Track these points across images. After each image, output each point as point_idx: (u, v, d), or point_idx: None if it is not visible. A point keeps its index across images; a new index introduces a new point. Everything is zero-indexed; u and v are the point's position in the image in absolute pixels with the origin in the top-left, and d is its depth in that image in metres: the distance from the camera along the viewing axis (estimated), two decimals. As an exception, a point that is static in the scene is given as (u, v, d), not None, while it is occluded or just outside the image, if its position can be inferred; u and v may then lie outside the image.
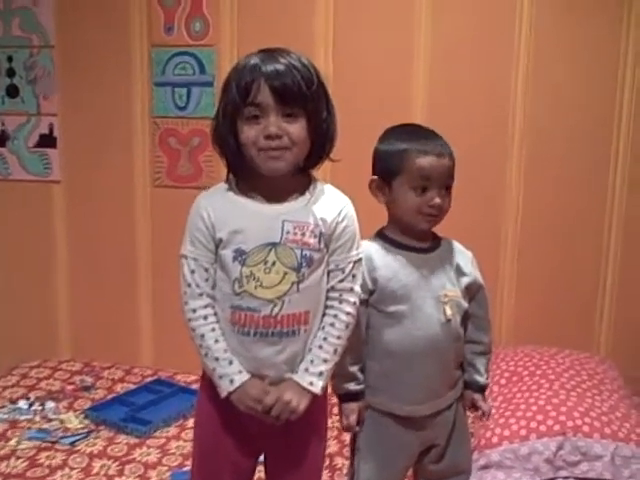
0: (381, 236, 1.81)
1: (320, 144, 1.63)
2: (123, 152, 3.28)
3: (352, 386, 1.76)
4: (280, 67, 1.53)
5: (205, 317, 1.63)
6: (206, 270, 1.63)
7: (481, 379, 1.88)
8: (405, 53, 2.94)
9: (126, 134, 3.27)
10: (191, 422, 2.63)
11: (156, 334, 3.38)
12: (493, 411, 2.34)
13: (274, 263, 1.59)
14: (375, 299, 1.74)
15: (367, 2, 2.97)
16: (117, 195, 3.32)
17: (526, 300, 2.98)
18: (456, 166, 1.78)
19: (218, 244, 1.62)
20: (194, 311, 1.64)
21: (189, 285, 1.64)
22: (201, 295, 1.63)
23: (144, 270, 3.35)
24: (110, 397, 2.93)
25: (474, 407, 1.89)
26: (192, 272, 1.63)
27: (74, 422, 2.72)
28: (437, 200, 1.71)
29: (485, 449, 2.21)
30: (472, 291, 1.84)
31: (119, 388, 3.04)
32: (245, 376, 1.62)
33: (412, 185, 1.71)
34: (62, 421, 2.72)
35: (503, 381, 2.52)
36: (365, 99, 2.97)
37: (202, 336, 1.63)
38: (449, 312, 1.75)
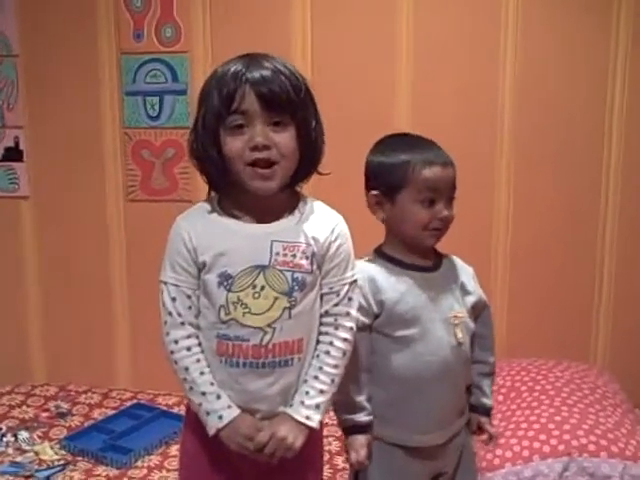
0: (381, 255, 1.69)
1: (309, 156, 1.51)
2: (94, 165, 3.13)
3: (361, 417, 1.63)
4: (266, 72, 1.42)
5: (188, 348, 1.50)
6: (188, 297, 1.51)
7: (488, 401, 1.78)
8: (387, 55, 2.83)
9: (97, 146, 3.12)
10: (174, 449, 2.52)
11: (134, 354, 3.23)
12: (492, 430, 2.24)
13: (263, 288, 1.47)
14: (380, 323, 1.63)
15: (345, 2, 2.85)
16: (89, 210, 3.16)
17: (519, 310, 2.88)
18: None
19: (201, 268, 1.49)
20: (176, 342, 1.51)
21: (170, 314, 1.51)
22: (183, 324, 1.51)
23: (119, 287, 3.20)
24: (87, 424, 2.78)
25: (480, 431, 1.79)
26: (173, 299, 1.50)
27: (49, 453, 2.56)
28: (445, 212, 1.61)
29: (486, 472, 2.11)
30: (477, 310, 1.74)
31: (97, 414, 2.89)
32: (235, 411, 1.50)
33: (419, 198, 1.60)
34: (37, 452, 2.56)
35: (501, 397, 2.42)
36: (346, 103, 2.84)
37: (186, 369, 1.50)
38: (460, 335, 1.66)
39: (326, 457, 2.38)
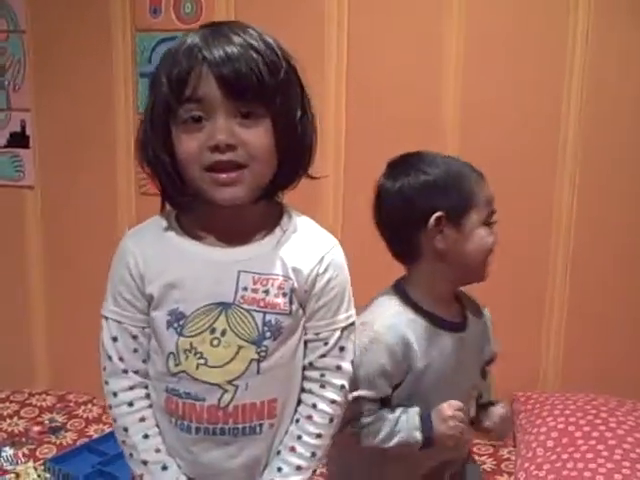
0: (407, 302, 1.33)
1: (293, 156, 1.13)
2: (105, 154, 2.85)
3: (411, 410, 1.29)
4: (231, 49, 1.05)
5: (130, 403, 1.17)
6: (134, 337, 1.16)
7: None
8: (433, 44, 2.46)
9: (109, 133, 2.83)
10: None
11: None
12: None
13: (224, 332, 1.12)
14: (397, 394, 1.29)
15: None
16: (99, 203, 2.87)
17: (577, 335, 2.48)
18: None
19: (150, 302, 1.15)
20: (115, 395, 1.17)
21: (109, 358, 1.17)
22: (126, 372, 1.17)
23: (130, 288, 2.91)
24: (80, 443, 2.50)
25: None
26: (114, 340, 1.17)
27: (32, 475, 2.29)
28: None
29: (528, 538, 1.74)
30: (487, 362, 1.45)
31: (92, 430, 2.62)
32: None
33: (484, 220, 1.30)
34: (17, 475, 2.29)
35: (550, 443, 2.04)
36: (385, 97, 2.51)
37: (125, 430, 1.16)
38: (472, 410, 1.38)
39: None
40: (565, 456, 1.95)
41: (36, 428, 2.61)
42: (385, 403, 1.29)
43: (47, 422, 2.65)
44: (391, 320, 1.29)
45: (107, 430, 2.58)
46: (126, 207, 2.87)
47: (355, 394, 1.25)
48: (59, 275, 2.97)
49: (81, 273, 2.94)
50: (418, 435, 1.25)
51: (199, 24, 2.63)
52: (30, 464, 2.35)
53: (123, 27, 2.74)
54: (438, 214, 1.27)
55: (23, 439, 2.52)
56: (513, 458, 2.23)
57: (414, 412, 1.27)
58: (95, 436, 2.56)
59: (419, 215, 1.29)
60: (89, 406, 2.79)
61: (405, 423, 1.26)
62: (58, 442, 2.52)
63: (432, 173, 1.30)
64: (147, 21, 2.70)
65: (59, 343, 3.00)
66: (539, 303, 2.49)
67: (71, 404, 2.80)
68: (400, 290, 1.35)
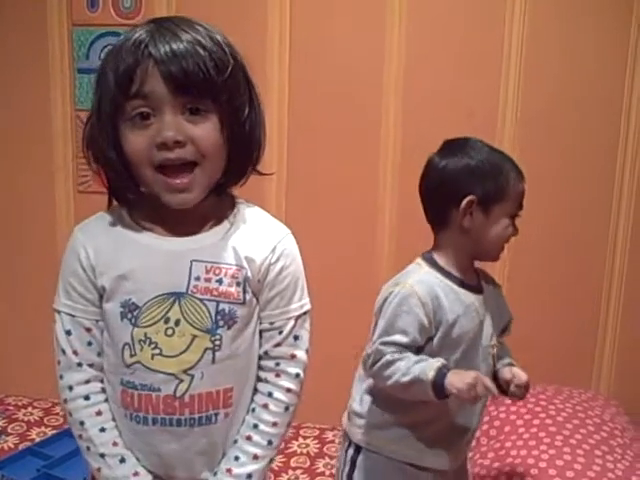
0: (435, 266, 1.50)
1: (242, 152, 1.16)
2: (41, 152, 2.80)
3: (436, 362, 1.39)
4: (177, 45, 1.05)
5: (86, 397, 1.18)
6: (88, 330, 1.18)
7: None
8: (376, 34, 2.50)
9: (45, 130, 2.78)
10: None
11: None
12: (484, 472, 1.95)
13: (178, 322, 1.14)
14: (430, 347, 1.44)
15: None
16: (35, 202, 2.83)
17: (515, 325, 2.55)
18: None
19: (102, 294, 1.16)
20: (70, 388, 1.18)
21: (63, 352, 1.18)
22: (80, 365, 1.18)
23: (69, 288, 2.85)
24: (22, 447, 2.44)
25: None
26: (67, 333, 1.17)
27: (-26, 482, 2.23)
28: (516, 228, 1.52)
29: (475, 524, 1.80)
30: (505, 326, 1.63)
31: (34, 434, 2.56)
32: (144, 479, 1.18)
33: (511, 213, 1.48)
34: (-42, 482, 2.24)
35: (493, 432, 2.10)
36: (327, 100, 2.56)
37: (81, 424, 1.17)
38: (492, 363, 1.53)
39: (307, 463, 2.36)
40: (508, 444, 2.01)
41: (-26, 434, 2.55)
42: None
43: (-14, 427, 2.59)
44: (422, 277, 1.46)
45: (50, 433, 2.55)
46: (64, 204, 2.82)
47: (388, 339, 1.40)
48: (-4, 275, 2.91)
49: (19, 273, 2.88)
50: (430, 374, 1.35)
51: (139, 19, 2.65)
52: (-29, 471, 2.30)
53: (59, 21, 2.70)
54: (471, 197, 1.44)
55: (-40, 446, 2.46)
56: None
57: (437, 359, 1.39)
58: (37, 439, 2.51)
59: (454, 194, 1.45)
60: (29, 409, 2.73)
61: (424, 364, 1.37)
62: (-1, 446, 2.47)
63: (475, 158, 1.46)
64: (84, 15, 2.66)
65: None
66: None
67: (10, 407, 2.74)
68: (427, 257, 1.52)
